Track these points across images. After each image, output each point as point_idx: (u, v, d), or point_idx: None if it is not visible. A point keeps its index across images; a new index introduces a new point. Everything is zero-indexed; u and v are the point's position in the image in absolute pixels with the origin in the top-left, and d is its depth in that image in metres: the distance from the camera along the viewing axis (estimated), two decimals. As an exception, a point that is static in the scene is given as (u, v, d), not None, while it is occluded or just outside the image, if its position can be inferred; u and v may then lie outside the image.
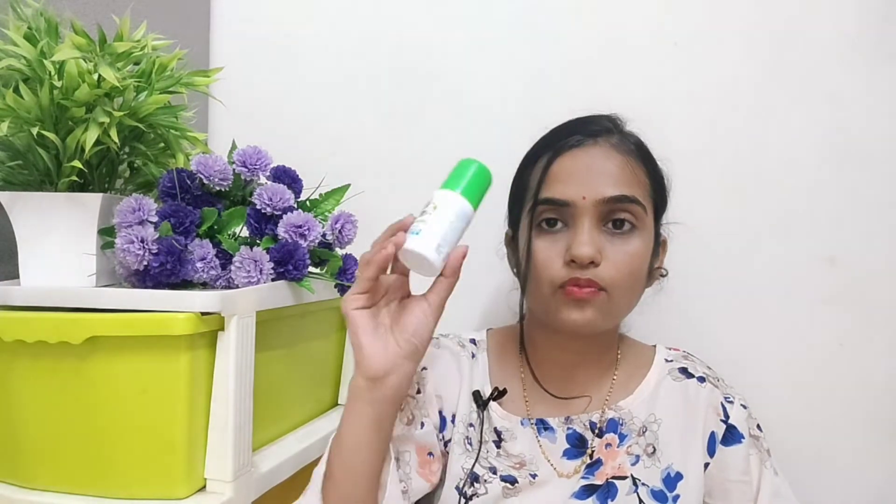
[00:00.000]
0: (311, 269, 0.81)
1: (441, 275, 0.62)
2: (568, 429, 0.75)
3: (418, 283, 0.66)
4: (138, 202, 0.72)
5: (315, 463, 0.87)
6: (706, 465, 0.74)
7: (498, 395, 0.76)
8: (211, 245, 0.74)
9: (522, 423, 0.76)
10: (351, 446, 0.64)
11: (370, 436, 0.64)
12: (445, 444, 0.76)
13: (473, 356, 0.80)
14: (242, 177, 0.81)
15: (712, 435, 0.74)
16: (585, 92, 0.98)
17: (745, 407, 0.76)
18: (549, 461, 0.74)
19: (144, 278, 0.72)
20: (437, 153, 1.06)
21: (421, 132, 1.07)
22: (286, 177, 0.84)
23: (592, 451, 0.74)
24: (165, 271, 0.71)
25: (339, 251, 0.87)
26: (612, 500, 0.71)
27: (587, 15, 1.01)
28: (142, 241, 0.70)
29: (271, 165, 0.83)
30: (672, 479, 0.72)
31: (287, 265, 0.77)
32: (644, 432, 0.74)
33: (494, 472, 0.73)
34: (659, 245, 0.76)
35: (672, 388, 0.76)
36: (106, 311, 0.68)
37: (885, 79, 0.93)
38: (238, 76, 1.07)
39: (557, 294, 0.69)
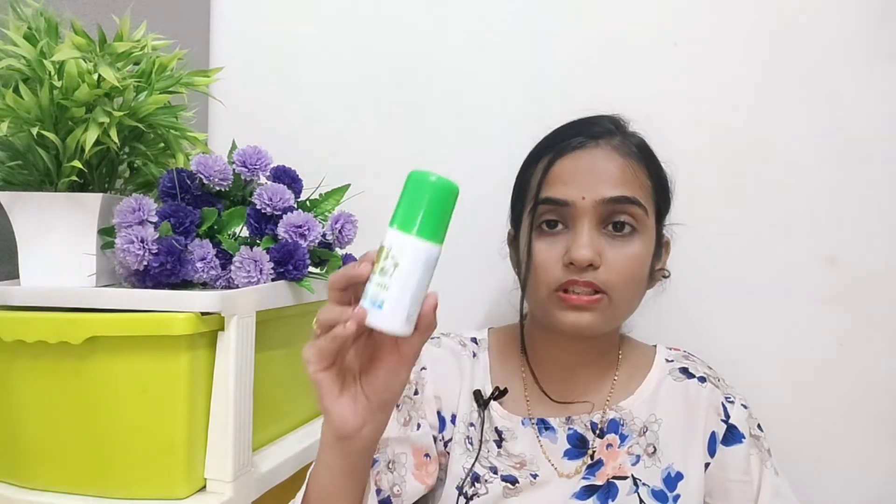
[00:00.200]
0: (311, 269, 0.81)
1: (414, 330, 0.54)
2: (569, 429, 0.75)
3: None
4: (138, 202, 0.72)
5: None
6: (707, 464, 0.74)
7: (499, 394, 0.76)
8: (211, 245, 0.74)
9: (523, 423, 0.76)
10: (325, 495, 0.61)
11: (345, 483, 0.60)
12: (445, 445, 0.76)
13: (475, 355, 0.80)
14: (242, 177, 0.81)
15: (713, 435, 0.74)
16: (585, 92, 0.98)
17: (745, 407, 0.76)
18: (549, 461, 0.74)
19: (144, 278, 0.72)
20: (437, 153, 1.06)
21: (421, 132, 1.07)
22: (286, 177, 0.84)
23: (593, 452, 0.74)
24: (165, 271, 0.71)
25: (339, 251, 0.87)
26: (613, 501, 0.71)
27: (587, 15, 1.01)
28: (142, 241, 0.70)
29: (271, 165, 0.83)
30: (672, 479, 0.72)
31: (287, 265, 0.77)
32: (645, 432, 0.74)
33: (495, 472, 0.73)
34: (661, 246, 0.76)
35: (673, 389, 0.76)
36: (106, 311, 0.68)
37: (885, 79, 0.93)
38: (238, 76, 1.07)
39: (556, 297, 0.69)
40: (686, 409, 0.75)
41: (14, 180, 0.77)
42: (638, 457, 0.73)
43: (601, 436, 0.74)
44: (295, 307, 0.82)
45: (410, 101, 1.07)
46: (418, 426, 0.75)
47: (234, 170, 0.80)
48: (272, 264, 0.76)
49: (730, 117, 0.97)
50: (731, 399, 0.76)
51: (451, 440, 0.76)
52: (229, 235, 0.78)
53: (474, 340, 0.82)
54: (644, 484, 0.72)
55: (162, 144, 0.81)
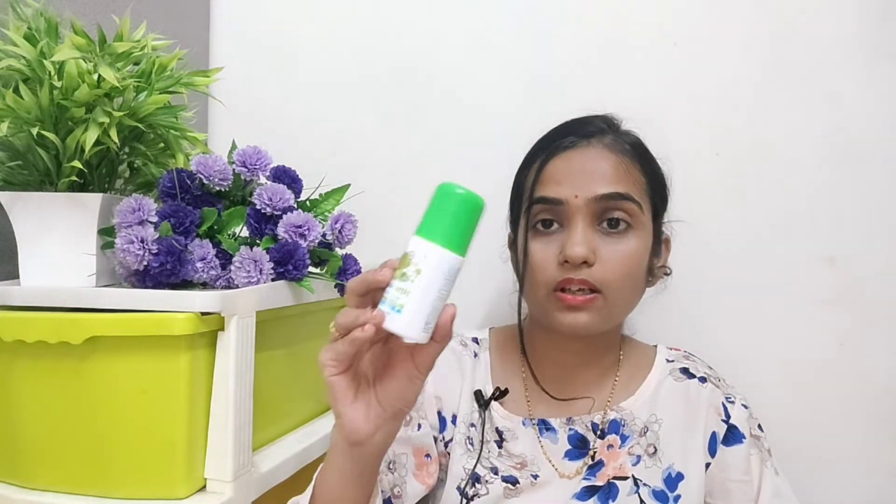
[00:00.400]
0: (311, 269, 0.81)
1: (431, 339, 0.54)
2: (570, 430, 0.75)
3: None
4: (138, 202, 0.72)
5: (315, 463, 0.87)
6: (707, 465, 0.74)
7: (500, 394, 0.76)
8: (211, 245, 0.74)
9: (524, 424, 0.76)
10: (333, 497, 0.61)
11: (353, 487, 0.60)
12: (445, 445, 0.76)
13: (476, 355, 0.80)
14: (242, 177, 0.81)
15: (713, 435, 0.74)
16: (585, 92, 0.98)
17: (745, 407, 0.76)
18: (550, 462, 0.74)
19: (144, 278, 0.72)
20: (437, 153, 1.06)
21: (421, 132, 1.07)
22: (286, 177, 0.84)
23: (594, 453, 0.74)
24: (165, 271, 0.71)
25: (339, 251, 0.87)
26: (614, 501, 0.71)
27: (587, 15, 1.01)
28: (142, 241, 0.70)
29: (271, 165, 0.83)
30: (673, 480, 0.72)
31: (287, 265, 0.77)
32: (645, 433, 0.74)
33: (496, 473, 0.73)
34: (660, 244, 0.76)
35: (673, 389, 0.76)
36: (106, 311, 0.68)
37: (884, 79, 0.93)
38: (238, 76, 1.07)
39: (552, 297, 0.69)
40: (686, 410, 0.75)
41: (14, 180, 0.77)
42: (638, 457, 0.73)
43: (602, 436, 0.74)
44: (295, 307, 0.82)
45: (410, 101, 1.07)
46: (419, 426, 0.75)
47: (234, 170, 0.80)
48: (272, 264, 0.76)
49: (730, 117, 0.97)
50: (732, 399, 0.76)
51: (451, 440, 0.76)
52: (229, 235, 0.78)
53: (475, 340, 0.82)
54: (645, 484, 0.72)
55: (162, 144, 0.81)
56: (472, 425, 0.76)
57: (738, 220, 0.97)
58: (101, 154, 0.76)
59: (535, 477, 0.73)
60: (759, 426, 0.77)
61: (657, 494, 0.72)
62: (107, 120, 0.70)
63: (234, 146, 0.85)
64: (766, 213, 0.96)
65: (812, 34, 0.95)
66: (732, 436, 0.74)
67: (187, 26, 1.11)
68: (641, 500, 0.71)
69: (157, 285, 0.72)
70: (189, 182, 0.77)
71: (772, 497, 0.72)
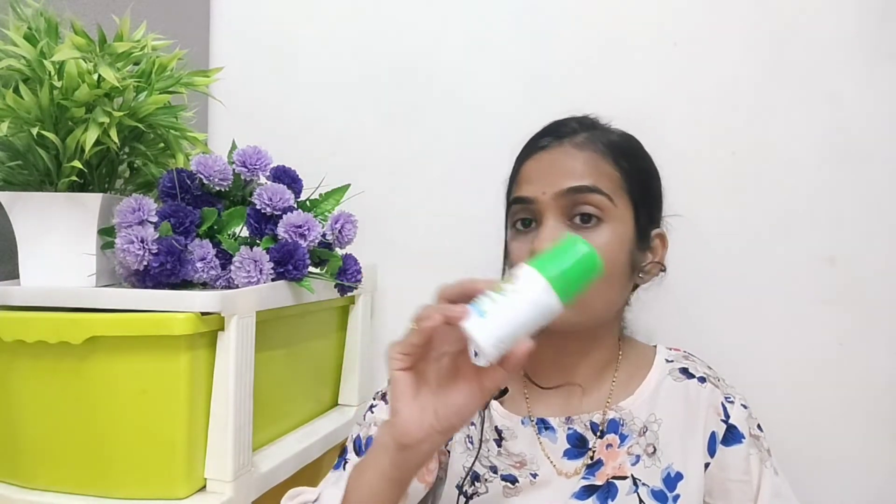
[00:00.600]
0: (311, 269, 0.81)
1: (500, 364, 0.53)
2: (569, 429, 0.75)
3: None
4: (138, 202, 0.72)
5: (315, 463, 0.87)
6: (706, 464, 0.74)
7: (499, 394, 0.76)
8: (211, 245, 0.74)
9: (523, 423, 0.76)
10: (366, 498, 0.60)
11: (389, 492, 0.59)
12: (445, 444, 0.76)
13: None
14: (242, 177, 0.81)
15: (713, 435, 0.74)
16: (585, 92, 0.98)
17: (745, 407, 0.76)
18: (549, 461, 0.74)
19: (144, 278, 0.72)
20: (437, 153, 1.06)
21: (421, 132, 1.07)
22: (286, 177, 0.84)
23: (593, 452, 0.74)
24: (165, 271, 0.71)
25: (339, 251, 0.87)
26: (613, 501, 0.71)
27: (587, 15, 1.01)
28: (142, 241, 0.70)
29: (271, 165, 0.83)
30: (672, 479, 0.72)
31: (287, 265, 0.77)
32: (644, 432, 0.74)
33: (495, 472, 0.73)
34: (647, 239, 0.75)
35: (673, 389, 0.76)
36: (106, 311, 0.68)
37: (885, 79, 0.93)
38: (238, 76, 1.07)
39: None
40: (686, 410, 0.75)
41: (14, 180, 0.77)
42: (638, 457, 0.73)
43: (601, 436, 0.74)
44: (295, 307, 0.82)
45: (410, 101, 1.07)
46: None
47: (234, 170, 0.81)
48: (272, 264, 0.76)
49: (730, 117, 0.97)
50: (731, 399, 0.75)
51: (451, 439, 0.76)
52: (229, 235, 0.78)
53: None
54: (644, 484, 0.72)
55: (162, 144, 0.81)
56: (472, 424, 0.76)
57: (738, 220, 0.97)
58: (101, 154, 0.76)
59: (535, 476, 0.73)
60: (759, 426, 0.76)
61: (656, 494, 0.72)
62: (107, 120, 0.70)
63: (234, 146, 0.85)
64: (766, 212, 0.96)
65: (812, 34, 0.95)
66: (732, 436, 0.74)
67: (187, 26, 1.11)
68: (640, 500, 0.71)
69: (157, 285, 0.72)
70: (189, 182, 0.78)
71: (771, 497, 0.72)
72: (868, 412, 0.94)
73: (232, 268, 0.75)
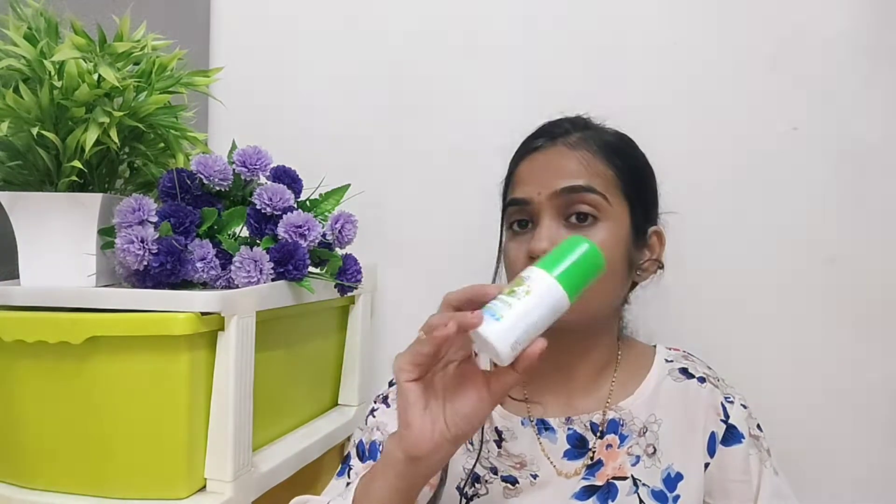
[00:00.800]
0: (311, 269, 0.81)
1: (511, 366, 0.53)
2: (569, 429, 0.75)
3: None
4: (138, 202, 0.72)
5: (315, 463, 0.87)
6: (706, 465, 0.74)
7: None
8: (211, 245, 0.74)
9: (523, 423, 0.76)
10: None
11: (396, 501, 0.58)
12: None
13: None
14: (242, 177, 0.81)
15: (712, 435, 0.74)
16: (585, 92, 0.98)
17: (745, 407, 0.76)
18: (550, 461, 0.74)
19: (144, 278, 0.72)
20: (437, 153, 1.06)
21: (420, 132, 1.07)
22: (286, 177, 0.84)
23: (593, 453, 0.74)
24: (165, 271, 0.71)
25: (339, 251, 0.87)
26: (613, 501, 0.71)
27: (587, 15, 1.01)
28: (142, 241, 0.70)
29: (271, 165, 0.83)
30: (672, 480, 0.72)
31: (287, 265, 0.77)
32: (644, 433, 0.74)
33: (495, 473, 0.73)
34: (644, 237, 0.75)
35: (672, 389, 0.76)
36: (106, 311, 0.68)
37: (885, 79, 0.93)
38: (238, 76, 1.07)
39: None
40: (686, 410, 0.75)
41: (14, 180, 0.77)
42: (638, 457, 0.73)
43: (601, 436, 0.74)
44: (295, 307, 0.82)
45: (410, 101, 1.07)
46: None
47: (234, 170, 0.81)
48: (272, 264, 0.76)
49: (730, 117, 0.97)
50: (731, 399, 0.76)
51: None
52: (229, 235, 0.78)
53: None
54: (644, 484, 0.72)
55: (162, 144, 0.81)
56: (472, 425, 0.76)
57: (737, 220, 0.97)
58: (101, 154, 0.76)
59: (535, 477, 0.73)
60: (759, 426, 0.76)
61: (656, 494, 0.72)
62: (107, 120, 0.70)
63: (234, 146, 0.85)
64: (766, 212, 0.96)
65: (812, 34, 0.95)
66: (731, 436, 0.74)
67: (187, 26, 1.11)
68: (641, 500, 0.71)
69: (157, 285, 0.72)
70: (189, 182, 0.78)
71: (771, 497, 0.72)
72: (868, 412, 0.94)
73: (232, 268, 0.75)
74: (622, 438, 0.74)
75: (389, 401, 0.77)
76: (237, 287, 0.74)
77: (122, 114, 0.71)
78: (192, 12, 1.13)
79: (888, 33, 0.93)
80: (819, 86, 0.95)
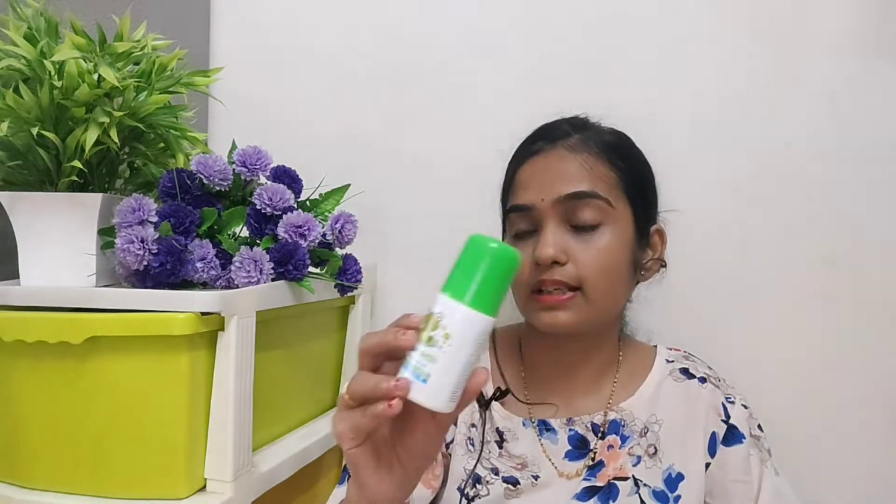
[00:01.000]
0: (311, 269, 0.81)
1: None
2: (570, 430, 0.75)
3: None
4: (138, 202, 0.72)
5: (315, 463, 0.87)
6: (707, 465, 0.74)
7: (500, 395, 0.76)
8: (211, 245, 0.74)
9: (524, 424, 0.76)
10: None
11: None
12: (447, 446, 0.76)
13: None
14: (242, 177, 0.81)
15: (713, 435, 0.74)
16: (585, 92, 0.98)
17: (745, 407, 0.76)
18: (551, 462, 0.74)
19: (144, 278, 0.72)
20: (437, 153, 1.06)
21: (421, 132, 1.07)
22: (286, 177, 0.84)
23: (595, 453, 0.74)
24: (165, 271, 0.71)
25: (339, 251, 0.87)
26: (614, 501, 0.71)
27: (587, 14, 1.01)
28: (142, 241, 0.70)
29: (271, 165, 0.83)
30: (673, 480, 0.72)
31: (287, 265, 0.77)
32: (645, 433, 0.74)
33: (496, 473, 0.73)
34: (646, 237, 0.76)
35: (673, 389, 0.76)
36: (106, 311, 0.68)
37: (884, 78, 0.93)
38: (238, 76, 1.06)
39: (532, 299, 0.71)
40: (686, 410, 0.75)
41: (14, 180, 0.77)
42: (639, 457, 0.73)
43: (602, 437, 0.74)
44: (295, 307, 0.82)
45: (411, 101, 1.07)
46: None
47: (234, 170, 0.80)
48: (272, 264, 0.76)
49: (729, 117, 0.97)
50: (732, 399, 0.76)
51: (452, 441, 0.76)
52: (229, 235, 0.78)
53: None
54: (645, 485, 0.72)
55: (162, 144, 0.81)
56: (473, 426, 0.76)
57: (737, 219, 0.97)
58: (101, 154, 0.76)
59: (536, 477, 0.73)
60: (759, 426, 0.77)
61: (657, 495, 0.72)
62: (107, 120, 0.70)
63: (234, 146, 0.85)
64: (765, 212, 0.96)
65: (812, 34, 0.95)
66: (732, 436, 0.74)
67: (187, 26, 1.11)
68: (642, 501, 0.71)
69: (157, 285, 0.72)
70: (189, 182, 0.77)
71: (771, 497, 0.72)
72: (868, 412, 0.94)
73: (232, 268, 0.74)
74: (623, 439, 0.74)
75: (350, 470, 0.76)
76: (237, 287, 0.74)
77: (122, 114, 0.71)
78: (192, 12, 1.13)
79: (888, 33, 0.93)
80: (819, 86, 0.95)
